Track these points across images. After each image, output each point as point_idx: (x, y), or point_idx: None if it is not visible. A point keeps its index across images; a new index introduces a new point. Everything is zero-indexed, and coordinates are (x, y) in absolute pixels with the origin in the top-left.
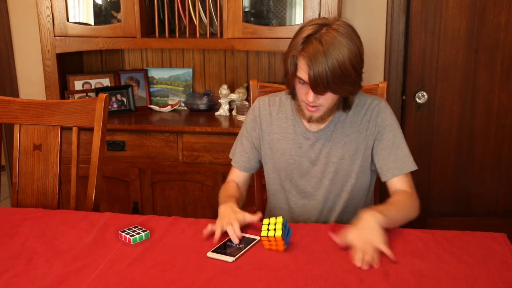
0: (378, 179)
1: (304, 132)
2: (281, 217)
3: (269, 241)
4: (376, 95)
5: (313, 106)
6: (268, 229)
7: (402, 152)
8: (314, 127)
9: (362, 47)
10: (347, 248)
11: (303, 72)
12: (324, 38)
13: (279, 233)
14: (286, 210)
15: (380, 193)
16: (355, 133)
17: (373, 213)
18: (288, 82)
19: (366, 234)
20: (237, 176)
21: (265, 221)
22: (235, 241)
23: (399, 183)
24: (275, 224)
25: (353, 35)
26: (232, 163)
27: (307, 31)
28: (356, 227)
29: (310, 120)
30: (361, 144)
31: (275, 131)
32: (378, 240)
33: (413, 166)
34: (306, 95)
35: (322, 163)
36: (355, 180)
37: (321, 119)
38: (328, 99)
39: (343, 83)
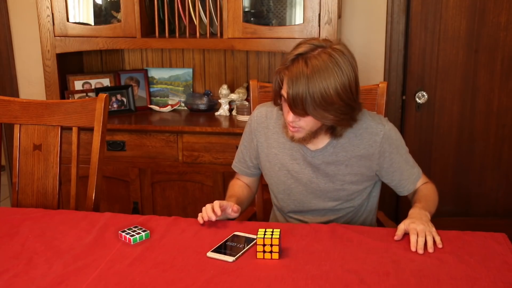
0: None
1: (302, 148)
2: (279, 230)
3: (265, 245)
4: (376, 95)
5: (294, 127)
6: (264, 236)
7: (411, 165)
8: (311, 145)
9: (355, 78)
10: (347, 248)
11: (284, 89)
12: (312, 61)
13: (276, 235)
14: (287, 217)
15: (382, 197)
16: (357, 157)
17: (421, 209)
18: (274, 98)
19: (419, 221)
20: (242, 178)
21: (261, 229)
22: (211, 217)
23: (418, 185)
24: (272, 233)
25: (346, 64)
26: (232, 166)
27: (300, 49)
28: (409, 218)
29: (292, 139)
30: (364, 167)
31: (272, 145)
32: (430, 227)
33: (419, 172)
34: (287, 114)
35: (322, 182)
36: (356, 198)
37: (303, 141)
38: (309, 122)
39: (324, 110)
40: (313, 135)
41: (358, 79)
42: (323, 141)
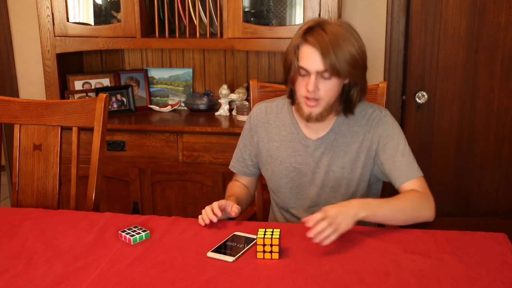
0: (387, 187)
1: (303, 139)
2: (279, 230)
3: (265, 245)
4: (376, 95)
5: (312, 101)
6: (264, 236)
7: (407, 159)
8: (313, 134)
9: (364, 47)
10: (347, 248)
11: (304, 60)
12: (328, 28)
13: (276, 235)
14: (287, 215)
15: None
16: (355, 143)
17: (359, 203)
18: (290, 78)
19: (341, 210)
20: (240, 179)
21: (261, 229)
22: (212, 218)
23: (410, 186)
24: (272, 233)
25: (355, 33)
26: (229, 166)
27: (307, 25)
28: (335, 205)
29: (309, 118)
30: (361, 154)
31: (273, 139)
32: (343, 223)
33: (418, 173)
34: (306, 85)
35: (323, 171)
36: (356, 188)
37: (320, 117)
38: (327, 91)
39: (350, 66)
40: (329, 109)
41: (365, 47)
42: (326, 126)
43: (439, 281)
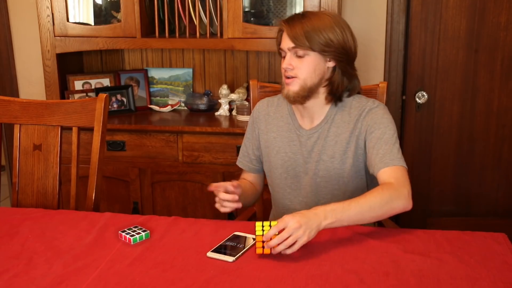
0: None
1: (298, 129)
2: (276, 222)
3: (264, 241)
4: (376, 95)
5: (289, 78)
6: (263, 230)
7: (389, 148)
8: (307, 124)
9: (350, 33)
10: (347, 248)
11: (282, 42)
12: (307, 12)
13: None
14: (286, 208)
15: None
16: (346, 133)
17: (323, 211)
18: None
19: (304, 220)
20: (247, 176)
21: (258, 223)
22: (233, 197)
23: (384, 175)
24: (270, 226)
25: (341, 21)
26: (236, 162)
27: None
28: (297, 213)
29: (287, 96)
30: (351, 144)
31: (272, 130)
32: (303, 237)
33: (399, 162)
34: (283, 64)
35: (314, 160)
36: (348, 180)
37: (298, 97)
38: (302, 68)
39: (323, 41)
40: (308, 90)
41: (355, 39)
42: (319, 116)
43: (439, 281)
